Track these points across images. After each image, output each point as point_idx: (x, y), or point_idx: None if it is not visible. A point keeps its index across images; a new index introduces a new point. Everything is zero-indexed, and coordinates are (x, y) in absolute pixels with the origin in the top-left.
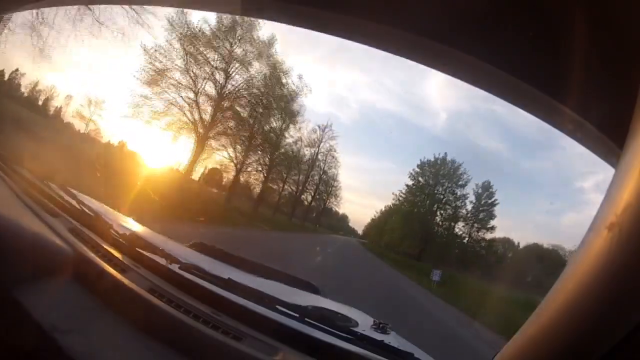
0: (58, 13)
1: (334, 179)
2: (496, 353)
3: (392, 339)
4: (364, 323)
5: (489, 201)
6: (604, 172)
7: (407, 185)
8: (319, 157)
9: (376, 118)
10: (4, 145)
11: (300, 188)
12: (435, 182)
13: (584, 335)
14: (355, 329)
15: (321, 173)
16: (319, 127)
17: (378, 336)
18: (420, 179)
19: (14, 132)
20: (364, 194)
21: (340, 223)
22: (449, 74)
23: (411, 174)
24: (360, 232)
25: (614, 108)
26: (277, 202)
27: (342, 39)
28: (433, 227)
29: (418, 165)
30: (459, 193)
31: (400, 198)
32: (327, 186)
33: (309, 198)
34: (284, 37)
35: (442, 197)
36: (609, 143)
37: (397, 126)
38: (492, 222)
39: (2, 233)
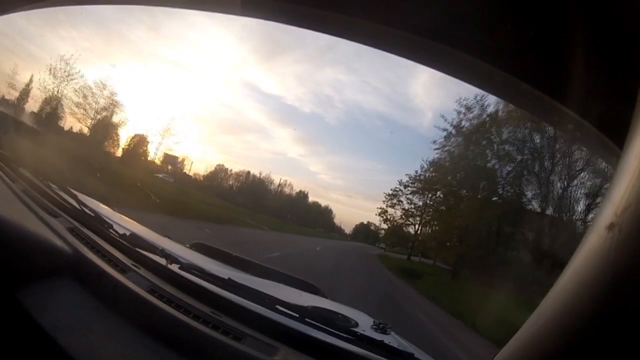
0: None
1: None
2: (496, 353)
3: (392, 339)
4: (364, 323)
5: None
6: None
7: None
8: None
9: (362, 117)
10: (4, 146)
11: None
12: None
13: (584, 336)
14: (355, 329)
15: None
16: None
17: (378, 336)
18: None
19: (14, 133)
20: (351, 193)
21: (323, 217)
22: (448, 73)
23: None
24: (347, 231)
25: (614, 108)
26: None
27: (340, 38)
28: None
29: None
30: None
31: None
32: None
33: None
34: (270, 36)
35: None
36: (609, 143)
37: (383, 126)
38: None
39: (2, 233)
